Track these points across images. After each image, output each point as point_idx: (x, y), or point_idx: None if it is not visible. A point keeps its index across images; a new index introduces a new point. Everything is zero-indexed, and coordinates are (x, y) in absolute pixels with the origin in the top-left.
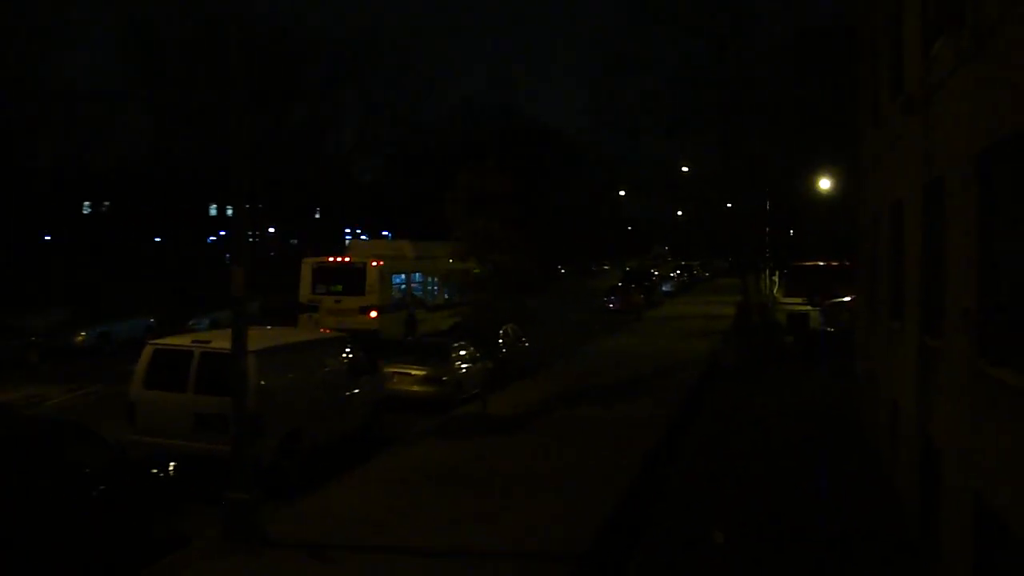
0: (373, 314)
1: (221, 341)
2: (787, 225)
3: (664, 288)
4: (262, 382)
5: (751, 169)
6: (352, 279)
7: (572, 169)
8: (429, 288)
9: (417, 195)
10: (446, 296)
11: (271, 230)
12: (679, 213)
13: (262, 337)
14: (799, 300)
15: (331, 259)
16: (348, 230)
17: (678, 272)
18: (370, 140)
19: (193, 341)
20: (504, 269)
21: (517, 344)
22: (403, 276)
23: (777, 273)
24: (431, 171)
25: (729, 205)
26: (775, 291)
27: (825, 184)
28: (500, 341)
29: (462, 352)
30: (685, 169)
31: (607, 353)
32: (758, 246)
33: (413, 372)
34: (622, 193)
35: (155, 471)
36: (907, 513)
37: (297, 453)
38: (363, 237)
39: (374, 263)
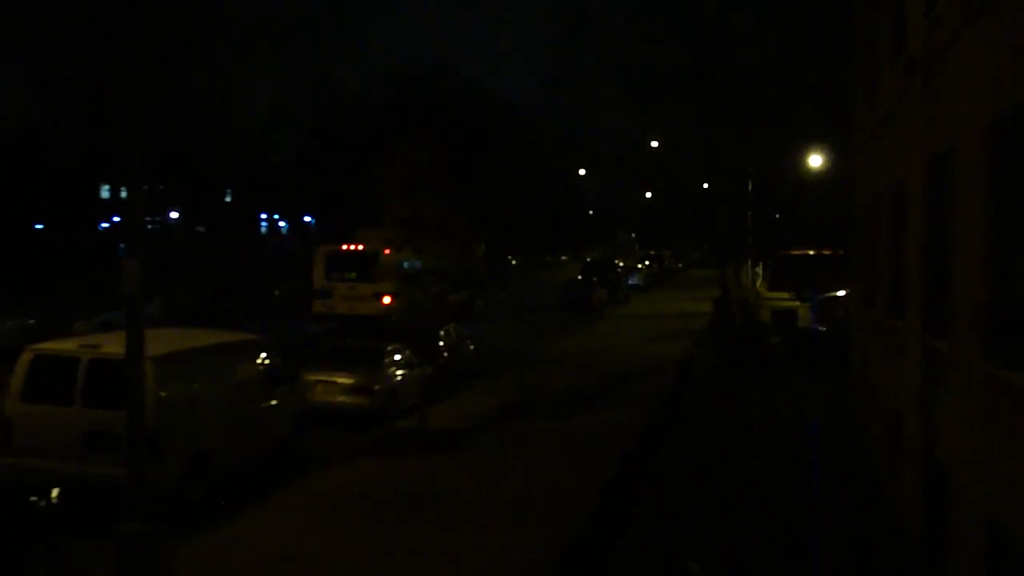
0: (386, 300)
1: (113, 345)
2: (772, 208)
3: (630, 281)
4: (163, 393)
5: (730, 143)
6: (365, 266)
7: (524, 145)
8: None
9: (344, 174)
10: (447, 283)
11: (173, 215)
12: (647, 195)
13: (162, 340)
14: (786, 295)
15: (345, 247)
16: (264, 215)
17: (647, 263)
18: (289, 112)
19: (80, 345)
20: (445, 259)
21: (461, 347)
22: (404, 263)
23: (761, 264)
24: (359, 146)
25: (705, 185)
26: (759, 284)
27: (816, 162)
28: (441, 344)
29: (396, 357)
30: (654, 144)
31: (565, 357)
32: (739, 232)
33: (339, 380)
34: (581, 172)
35: (34, 499)
36: (910, 540)
37: (206, 476)
38: (281, 224)
39: (387, 251)
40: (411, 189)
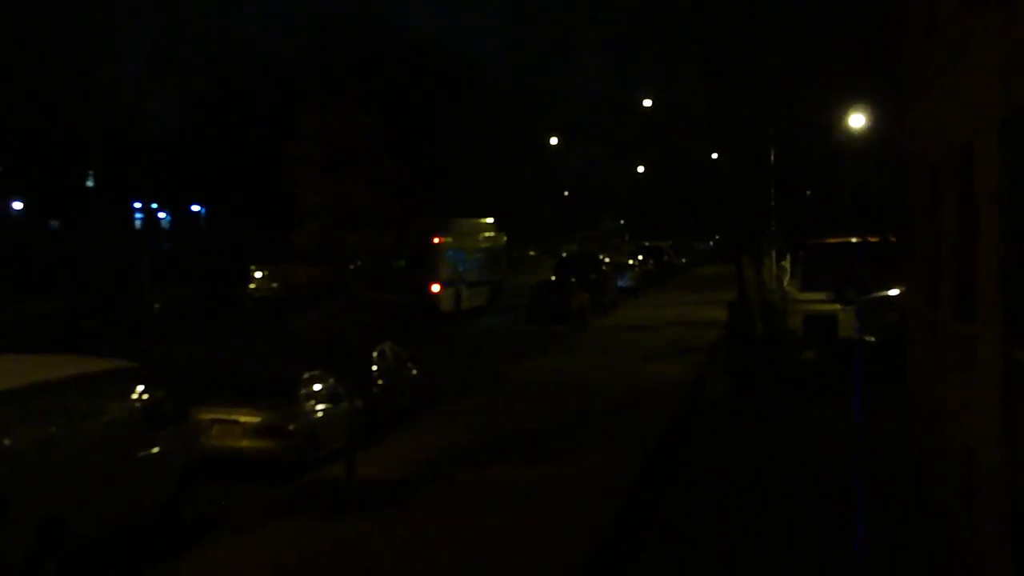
0: (436, 288)
1: None
2: (802, 184)
3: (620, 283)
4: (5, 441)
5: (744, 101)
6: (414, 255)
7: (481, 111)
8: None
9: (246, 151)
10: (478, 273)
11: (16, 205)
12: (639, 170)
13: (3, 371)
14: (822, 296)
15: None
16: (138, 205)
17: (640, 258)
18: (174, 70)
19: None
20: (376, 257)
21: (402, 372)
22: (452, 252)
23: (788, 256)
24: (266, 116)
25: (715, 156)
26: (786, 283)
27: (857, 122)
28: (375, 368)
29: (316, 386)
30: (647, 103)
31: (536, 383)
32: (758, 216)
33: (242, 419)
34: (553, 141)
35: None
36: None
37: (62, 549)
38: (162, 215)
39: (436, 239)
40: (333, 169)
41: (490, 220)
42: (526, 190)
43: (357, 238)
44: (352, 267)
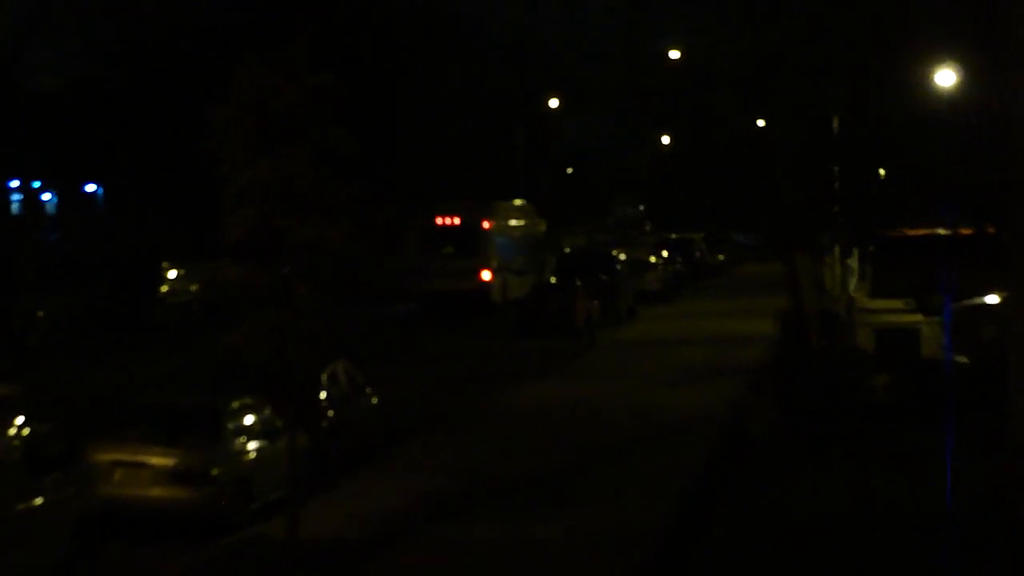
0: (486, 275)
1: None
2: (875, 159)
3: (639, 286)
4: None
5: (802, 50)
6: (464, 240)
7: (461, 65)
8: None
9: (157, 117)
10: (522, 262)
11: None
12: (664, 141)
13: None
14: (900, 304)
15: (440, 220)
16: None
17: (665, 254)
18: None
19: None
20: (328, 252)
21: (359, 399)
22: (501, 238)
23: (856, 252)
24: (184, 74)
25: (761, 123)
26: (853, 287)
27: (946, 79)
28: (325, 395)
29: (248, 419)
30: (674, 54)
31: (530, 414)
32: (818, 199)
33: (152, 461)
34: (554, 104)
35: None
36: None
37: None
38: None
39: (486, 224)
40: (273, 140)
41: (521, 203)
42: (516, 165)
43: (303, 228)
44: (297, 264)
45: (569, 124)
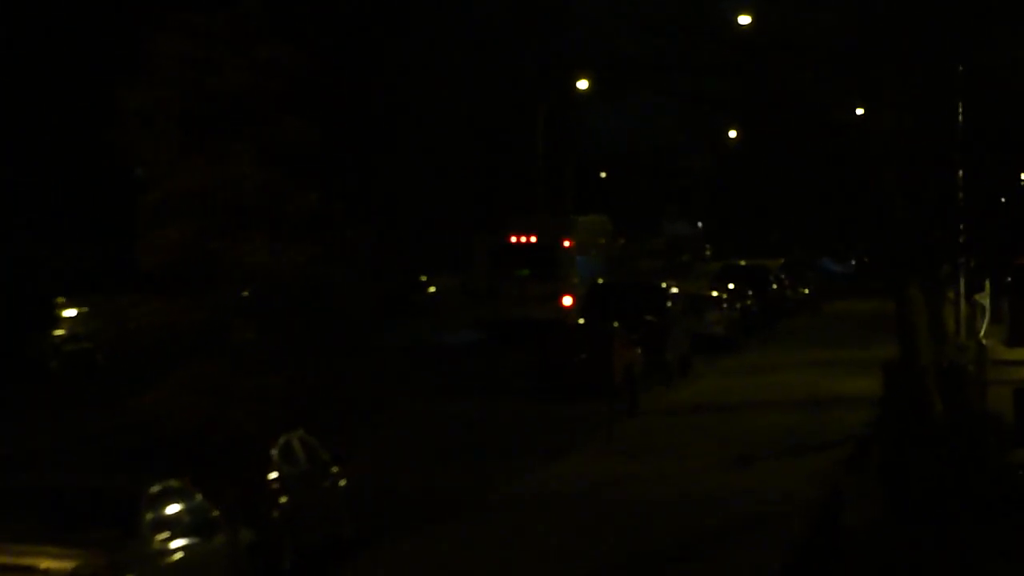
0: (568, 300)
1: None
2: (1012, 163)
3: (698, 329)
4: None
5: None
6: (542, 260)
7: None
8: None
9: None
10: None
11: None
12: (730, 136)
13: None
14: None
15: (514, 238)
16: None
17: (731, 287)
18: None
19: None
20: (280, 281)
21: (321, 480)
22: (581, 258)
23: (988, 285)
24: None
25: (860, 112)
26: (982, 332)
27: None
28: (276, 475)
29: (172, 508)
30: (744, 20)
31: (553, 503)
32: (937, 215)
33: (43, 565)
34: (582, 87)
35: None
36: None
37: None
38: None
39: (566, 242)
40: (207, 134)
41: (601, 218)
42: (534, 167)
43: (249, 250)
44: (240, 299)
45: (603, 114)
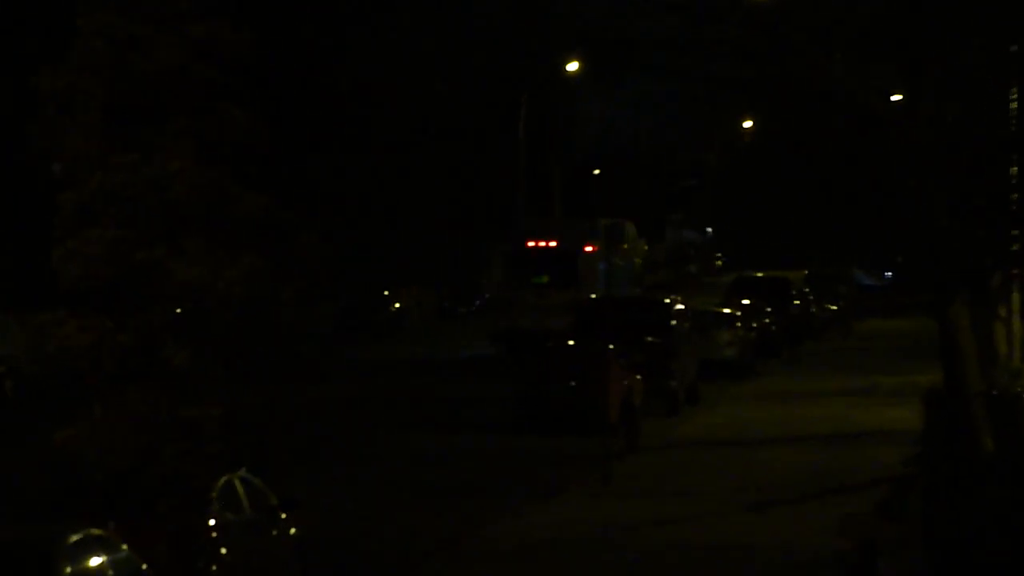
0: None
1: None
2: None
3: (707, 352)
4: None
5: None
6: (561, 268)
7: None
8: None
9: None
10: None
11: None
12: (745, 126)
13: None
14: None
15: (531, 243)
16: None
17: (745, 303)
18: None
19: None
20: (216, 303)
21: (266, 530)
22: (604, 265)
23: None
24: None
25: (897, 99)
26: None
27: None
28: (213, 524)
29: (92, 561)
30: None
31: (538, 555)
32: (988, 220)
33: None
34: (572, 69)
35: None
36: None
37: None
38: None
39: (588, 248)
40: (136, 124)
41: (626, 222)
42: (516, 163)
43: (184, 262)
44: (174, 319)
45: (596, 102)
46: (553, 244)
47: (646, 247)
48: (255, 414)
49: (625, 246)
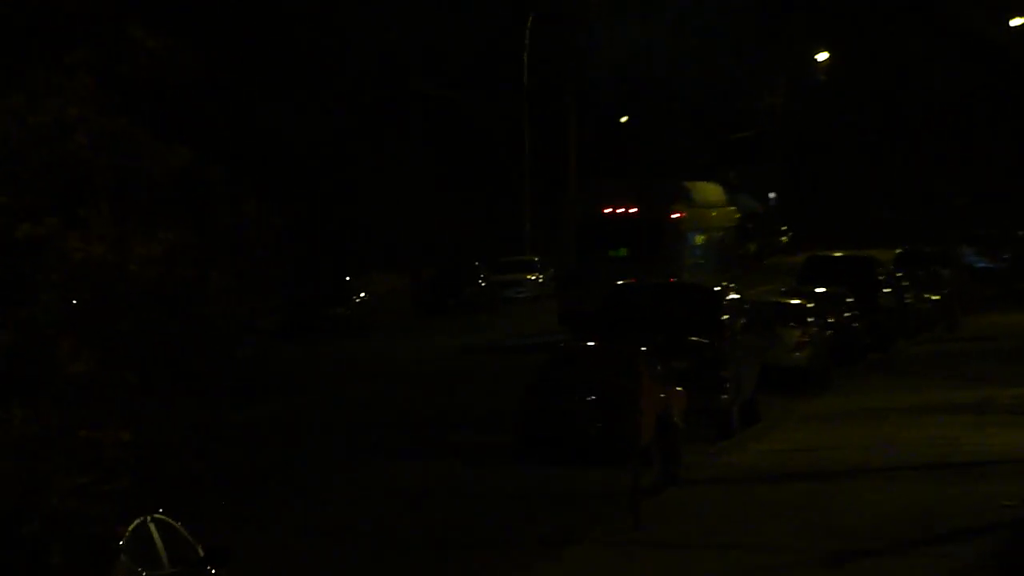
0: None
1: None
2: None
3: (767, 358)
4: None
5: None
6: (642, 239)
7: None
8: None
9: None
10: (715, 270)
11: None
12: (820, 59)
13: None
14: None
15: (608, 209)
16: None
17: (820, 292)
18: None
19: None
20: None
21: None
22: (693, 235)
23: None
24: None
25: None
26: None
27: None
28: None
29: None
30: None
31: None
32: None
33: None
34: None
35: None
36: None
37: None
38: None
39: (675, 215)
40: (6, 55)
41: (714, 186)
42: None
43: (79, 238)
44: (68, 312)
45: (623, 27)
46: (633, 210)
47: (737, 215)
48: (177, 437)
49: (714, 213)
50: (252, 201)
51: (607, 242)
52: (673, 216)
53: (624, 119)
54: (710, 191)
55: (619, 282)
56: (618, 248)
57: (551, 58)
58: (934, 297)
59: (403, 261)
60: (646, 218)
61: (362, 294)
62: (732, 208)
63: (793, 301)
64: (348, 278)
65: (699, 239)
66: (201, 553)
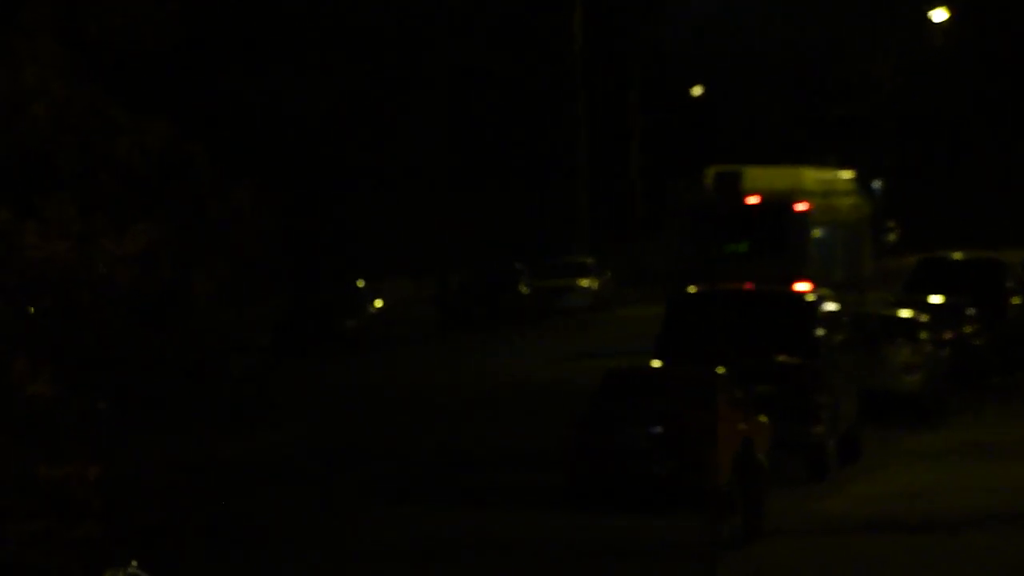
0: (803, 288)
1: None
2: None
3: (876, 383)
4: None
5: None
6: (765, 233)
7: None
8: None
9: None
10: (844, 270)
11: None
12: (937, 20)
13: None
14: None
15: (730, 199)
16: None
17: (938, 306)
18: None
19: None
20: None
21: None
22: (822, 229)
23: None
24: None
25: None
26: None
27: None
28: None
29: None
30: None
31: None
32: None
33: None
34: None
35: None
36: None
37: None
38: None
39: (799, 205)
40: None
41: (845, 172)
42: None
43: (37, 232)
44: (27, 322)
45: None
46: (755, 201)
47: (869, 208)
48: (155, 474)
49: (845, 203)
50: (244, 189)
51: (723, 235)
52: (796, 207)
53: (696, 91)
54: (839, 181)
55: (688, 288)
56: (738, 243)
57: (609, 17)
58: None
59: (425, 263)
60: (767, 208)
61: (377, 303)
62: (863, 199)
63: (902, 313)
64: (361, 284)
65: (826, 234)
66: None
